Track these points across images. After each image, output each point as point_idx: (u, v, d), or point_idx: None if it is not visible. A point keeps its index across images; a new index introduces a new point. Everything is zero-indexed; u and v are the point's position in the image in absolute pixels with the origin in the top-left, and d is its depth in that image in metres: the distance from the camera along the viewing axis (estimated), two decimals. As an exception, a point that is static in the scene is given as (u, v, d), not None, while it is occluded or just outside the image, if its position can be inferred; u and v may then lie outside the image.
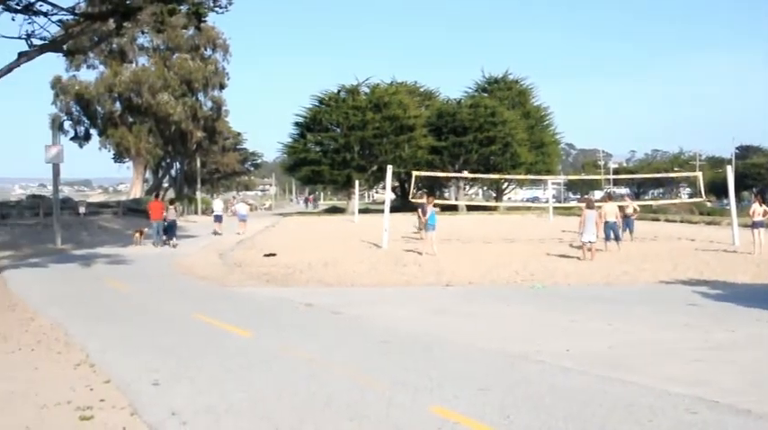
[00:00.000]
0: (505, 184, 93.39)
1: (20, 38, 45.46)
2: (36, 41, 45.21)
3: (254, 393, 8.11)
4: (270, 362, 9.61)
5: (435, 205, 30.79)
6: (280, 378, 8.77)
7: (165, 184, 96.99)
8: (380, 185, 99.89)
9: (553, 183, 60.78)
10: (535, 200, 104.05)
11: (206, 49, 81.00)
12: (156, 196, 51.27)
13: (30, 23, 45.91)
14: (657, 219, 50.15)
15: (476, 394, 8.00)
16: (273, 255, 26.82)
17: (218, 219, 44.38)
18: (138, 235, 34.91)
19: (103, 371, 9.24)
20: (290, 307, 14.81)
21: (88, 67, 76.19)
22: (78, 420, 7.27)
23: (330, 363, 9.51)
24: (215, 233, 42.24)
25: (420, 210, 32.80)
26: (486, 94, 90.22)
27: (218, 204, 48.27)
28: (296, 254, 27.35)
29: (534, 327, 12.33)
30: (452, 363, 9.54)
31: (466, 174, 73.27)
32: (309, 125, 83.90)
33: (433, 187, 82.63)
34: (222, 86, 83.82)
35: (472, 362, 9.58)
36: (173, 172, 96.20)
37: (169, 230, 34.28)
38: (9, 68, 42.43)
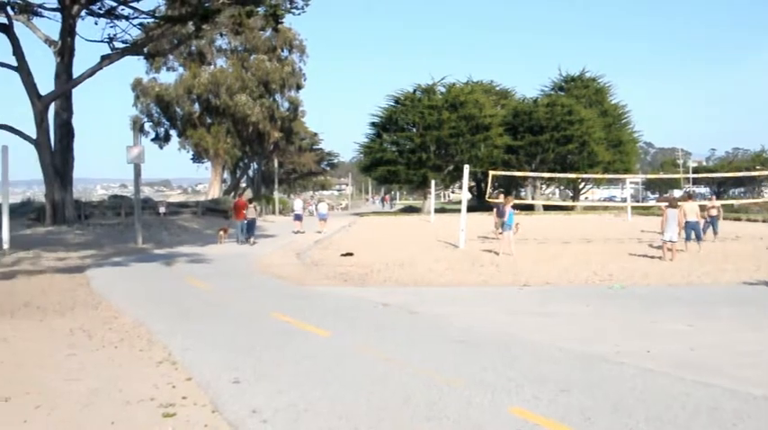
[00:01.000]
0: (582, 184, 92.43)
1: (102, 41, 46.72)
2: (118, 45, 46.40)
3: (333, 392, 8.15)
4: (348, 362, 9.65)
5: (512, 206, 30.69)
6: (358, 377, 8.80)
7: (243, 184, 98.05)
8: (456, 185, 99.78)
9: (631, 183, 59.97)
10: (612, 199, 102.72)
11: (283, 50, 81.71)
12: (242, 196, 52.03)
13: (112, 27, 47.31)
14: (739, 219, 49.33)
15: (555, 395, 7.95)
16: (350, 254, 26.94)
17: (299, 218, 45.67)
18: (222, 233, 36.70)
19: (185, 368, 9.39)
20: (368, 306, 14.84)
21: (168, 69, 77.51)
22: (161, 417, 7.39)
23: (407, 363, 9.52)
24: (296, 232, 43.04)
25: (496, 209, 32.79)
26: (562, 93, 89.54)
27: (298, 204, 49.38)
28: (372, 253, 27.45)
29: (613, 328, 12.19)
30: (531, 364, 9.48)
31: (542, 173, 72.66)
32: (385, 125, 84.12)
33: (510, 187, 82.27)
34: (299, 87, 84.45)
35: (551, 363, 9.51)
36: (250, 172, 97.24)
37: (249, 229, 35.40)
38: (92, 71, 43.46)
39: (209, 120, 79.57)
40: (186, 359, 9.92)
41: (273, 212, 76.88)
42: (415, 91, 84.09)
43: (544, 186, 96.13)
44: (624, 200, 77.00)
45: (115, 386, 8.54)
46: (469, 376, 8.79)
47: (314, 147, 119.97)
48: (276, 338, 11.36)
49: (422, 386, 8.35)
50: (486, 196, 47.85)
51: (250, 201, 39.16)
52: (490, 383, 8.44)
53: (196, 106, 79.57)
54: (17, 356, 10.29)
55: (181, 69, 78.22)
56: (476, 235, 34.40)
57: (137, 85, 79.60)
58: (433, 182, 68.08)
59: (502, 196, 36.85)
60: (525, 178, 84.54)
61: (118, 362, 9.83)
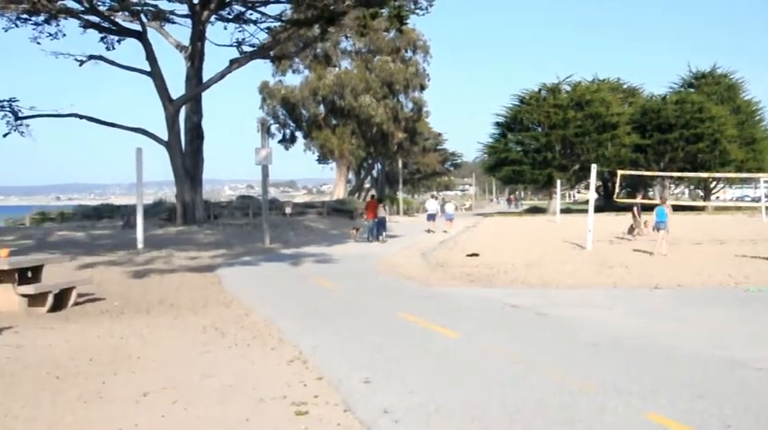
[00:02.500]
0: (714, 183, 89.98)
1: (231, 46, 47.80)
2: (246, 49, 47.40)
3: (464, 394, 8.10)
4: (478, 364, 9.59)
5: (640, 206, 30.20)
6: (488, 379, 8.73)
7: (367, 185, 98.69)
8: (582, 185, 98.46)
9: (765, 182, 57.94)
10: (743, 199, 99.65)
11: (407, 51, 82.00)
12: (374, 197, 53.14)
13: (240, 32, 48.31)
14: None
15: (693, 401, 7.71)
16: (476, 255, 26.83)
17: (431, 217, 46.53)
18: (354, 232, 39.11)
19: (316, 367, 9.47)
20: (495, 307, 14.74)
21: (293, 71, 78.70)
22: (294, 415, 7.46)
23: (538, 365, 9.39)
24: (428, 231, 44.07)
25: (635, 209, 32.48)
26: (692, 90, 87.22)
27: (431, 204, 50.13)
28: (498, 254, 27.28)
29: (751, 333, 11.81)
30: (665, 368, 9.24)
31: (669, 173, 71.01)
32: (510, 125, 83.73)
33: (637, 186, 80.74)
34: (423, 88, 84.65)
35: (686, 368, 9.25)
36: (374, 172, 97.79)
37: (379, 227, 37.07)
38: (222, 75, 44.45)
39: (333, 122, 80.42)
40: (317, 358, 10.01)
41: (398, 213, 77.21)
42: (540, 90, 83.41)
43: (673, 186, 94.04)
44: (757, 199, 74.62)
45: (248, 383, 8.67)
46: (602, 380, 8.62)
47: (438, 147, 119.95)
48: (405, 338, 11.37)
49: (554, 389, 8.22)
50: (615, 196, 47.17)
51: (380, 201, 41.63)
52: (624, 388, 8.25)
53: (321, 108, 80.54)
54: (154, 352, 10.57)
55: (306, 72, 79.33)
56: (603, 236, 33.82)
57: (263, 88, 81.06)
58: (558, 182, 67.29)
59: (639, 196, 36.39)
60: (653, 177, 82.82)
61: (250, 360, 9.99)
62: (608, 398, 7.84)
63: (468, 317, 13.57)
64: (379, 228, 37.34)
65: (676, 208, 73.04)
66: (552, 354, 10.13)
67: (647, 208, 33.71)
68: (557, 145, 79.73)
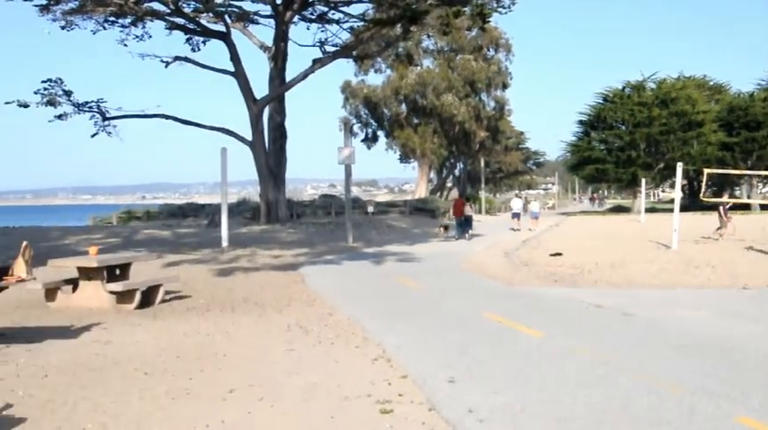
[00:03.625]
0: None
1: (314, 45, 48.22)
2: (329, 48, 47.68)
3: (549, 394, 8.03)
4: (563, 364, 9.49)
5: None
6: (573, 379, 8.63)
7: (449, 184, 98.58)
8: (667, 184, 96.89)
9: None
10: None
11: (489, 50, 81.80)
12: (460, 196, 53.62)
13: (323, 32, 48.64)
14: None
15: (786, 405, 7.52)
16: (559, 254, 26.56)
17: (516, 216, 47.21)
18: (441, 230, 40.19)
19: (400, 366, 9.46)
20: (580, 307, 14.57)
21: (376, 71, 78.96)
22: (379, 413, 7.47)
23: (624, 366, 9.26)
24: (513, 229, 44.84)
25: (722, 208, 31.91)
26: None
27: (515, 202, 50.69)
28: (582, 253, 26.96)
29: None
30: (756, 371, 9.03)
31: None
32: (593, 123, 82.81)
33: (724, 185, 79.14)
34: (505, 86, 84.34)
35: (778, 371, 9.03)
36: (456, 171, 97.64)
37: (465, 225, 37.72)
38: (304, 75, 44.80)
39: (415, 121, 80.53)
40: (401, 356, 10.01)
41: (480, 212, 76.98)
42: (624, 88, 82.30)
43: (760, 185, 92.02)
44: None
45: (333, 381, 8.70)
46: (690, 382, 8.45)
47: (520, 146, 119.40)
48: (489, 338, 11.31)
49: (641, 391, 8.09)
50: (701, 195, 46.35)
51: (467, 199, 41.81)
52: (713, 390, 8.08)
53: (403, 107, 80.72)
54: (240, 350, 10.67)
55: (388, 71, 79.53)
56: (689, 235, 33.20)
57: (346, 88, 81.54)
58: (643, 180, 66.29)
59: (725, 195, 35.78)
60: (741, 176, 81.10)
61: (334, 358, 10.02)
62: (697, 401, 7.69)
63: (552, 316, 13.43)
64: (465, 227, 37.89)
65: (764, 207, 71.51)
66: (638, 355, 9.97)
67: (737, 207, 33.04)
68: (641, 143, 78.57)
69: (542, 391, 8.14)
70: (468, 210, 38.92)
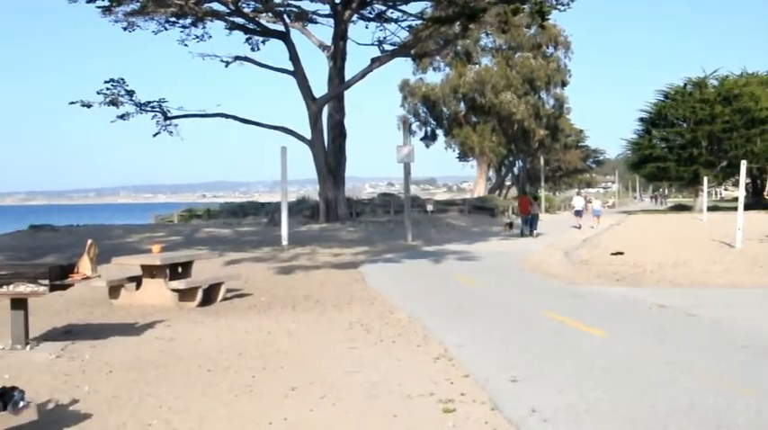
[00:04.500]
0: None
1: (372, 44, 48.22)
2: (387, 47, 47.71)
3: (613, 395, 7.93)
4: (626, 364, 9.37)
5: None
6: (638, 380, 8.52)
7: (508, 182, 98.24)
8: (729, 182, 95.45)
9: None
10: None
11: (548, 47, 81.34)
12: (526, 194, 54.00)
13: (381, 30, 48.72)
14: None
15: None
16: (621, 253, 26.28)
17: (579, 214, 47.90)
18: (507, 227, 41.59)
19: (461, 365, 9.42)
20: (643, 307, 14.39)
21: (434, 69, 78.87)
22: (441, 412, 7.45)
23: (689, 367, 9.12)
24: (576, 227, 45.35)
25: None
26: None
27: (578, 200, 51.89)
28: (644, 252, 26.65)
29: None
30: (826, 373, 8.86)
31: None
32: (654, 120, 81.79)
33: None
34: (564, 84, 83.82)
35: None
36: (515, 170, 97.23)
37: (532, 222, 38.84)
38: (363, 74, 44.91)
39: (474, 119, 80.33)
40: (462, 356, 9.96)
41: (540, 210, 76.51)
42: (685, 85, 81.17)
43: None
44: None
45: (395, 380, 8.69)
46: (758, 384, 8.29)
47: (579, 144, 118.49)
48: (551, 337, 11.22)
49: (707, 392, 7.97)
50: (765, 193, 45.63)
51: (535, 198, 44.18)
52: (782, 392, 7.94)
53: (461, 105, 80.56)
54: (301, 347, 10.71)
55: (447, 69, 79.42)
56: (753, 234, 32.63)
57: (404, 86, 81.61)
58: (705, 179, 65.31)
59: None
60: (805, 174, 79.60)
61: (396, 357, 10.01)
62: (764, 402, 7.56)
63: (614, 316, 13.30)
64: (531, 224, 38.80)
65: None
66: (703, 356, 9.83)
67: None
68: (703, 141, 77.41)
69: (606, 392, 8.05)
70: (535, 208, 40.38)
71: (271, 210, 48.32)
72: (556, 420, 7.09)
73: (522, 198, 42.79)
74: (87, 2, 39.40)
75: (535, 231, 38.42)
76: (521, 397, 7.90)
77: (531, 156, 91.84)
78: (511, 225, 42.00)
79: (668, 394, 7.92)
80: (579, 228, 44.92)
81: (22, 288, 10.27)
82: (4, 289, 10.35)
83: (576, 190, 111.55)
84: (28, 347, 10.53)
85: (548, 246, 31.46)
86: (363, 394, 8.14)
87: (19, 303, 10.54)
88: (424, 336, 11.43)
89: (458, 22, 42.77)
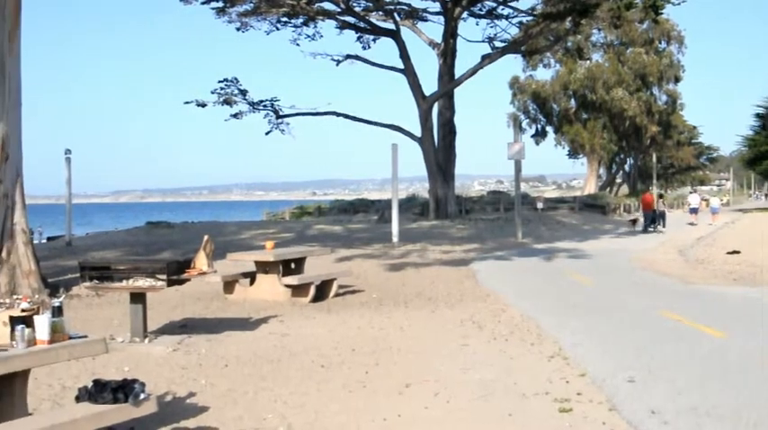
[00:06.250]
0: None
1: (482, 41, 48.02)
2: (497, 44, 47.44)
3: (736, 397, 7.72)
4: (748, 365, 9.11)
5: None
6: (760, 382, 8.28)
7: (618, 180, 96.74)
8: None
9: None
10: None
11: (660, 42, 79.73)
12: (649, 191, 54.25)
13: (491, 27, 48.41)
14: None
15: None
16: (737, 252, 25.61)
17: (694, 211, 49.06)
18: (631, 223, 43.51)
19: (577, 364, 9.30)
20: (762, 307, 14.01)
21: (544, 66, 78.13)
22: (557, 411, 7.36)
23: (815, 370, 8.84)
24: (691, 224, 45.66)
25: None
26: None
27: (693, 198, 52.83)
28: (760, 252, 25.91)
29: None
30: None
31: None
32: (771, 116, 79.48)
33: None
34: (677, 79, 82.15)
35: None
36: (626, 167, 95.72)
37: (657, 219, 40.96)
38: (473, 71, 44.78)
39: (584, 116, 79.39)
40: (577, 355, 9.84)
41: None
42: (805, 78, 78.86)
43: None
44: None
45: (509, 378, 8.63)
46: None
47: (692, 141, 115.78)
48: (668, 337, 10.99)
49: (836, 395, 7.71)
50: None
51: (660, 196, 46.66)
52: None
53: (572, 102, 79.71)
54: (414, 344, 10.73)
55: (557, 66, 78.65)
56: None
57: (514, 83, 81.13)
58: (826, 176, 63.35)
59: None
60: None
61: (509, 355, 9.94)
62: None
63: (733, 316, 12.95)
64: (657, 220, 40.84)
65: None
66: (830, 359, 9.49)
67: None
68: (823, 136, 75.05)
69: (729, 394, 7.84)
70: (660, 205, 43.29)
71: (381, 208, 48.51)
72: (677, 423, 6.93)
73: (644, 195, 44.90)
74: (202, 3, 40.21)
75: (660, 227, 40.30)
76: (639, 397, 7.75)
77: (642, 153, 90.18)
78: (635, 221, 43.59)
79: (794, 398, 7.68)
80: (695, 225, 44.88)
81: (141, 282, 10.55)
82: (124, 283, 10.65)
83: (690, 188, 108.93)
84: (146, 340, 10.80)
85: (660, 244, 30.90)
86: (478, 392, 8.10)
87: (137, 297, 10.83)
88: (538, 335, 11.32)
89: (569, 18, 42.27)
